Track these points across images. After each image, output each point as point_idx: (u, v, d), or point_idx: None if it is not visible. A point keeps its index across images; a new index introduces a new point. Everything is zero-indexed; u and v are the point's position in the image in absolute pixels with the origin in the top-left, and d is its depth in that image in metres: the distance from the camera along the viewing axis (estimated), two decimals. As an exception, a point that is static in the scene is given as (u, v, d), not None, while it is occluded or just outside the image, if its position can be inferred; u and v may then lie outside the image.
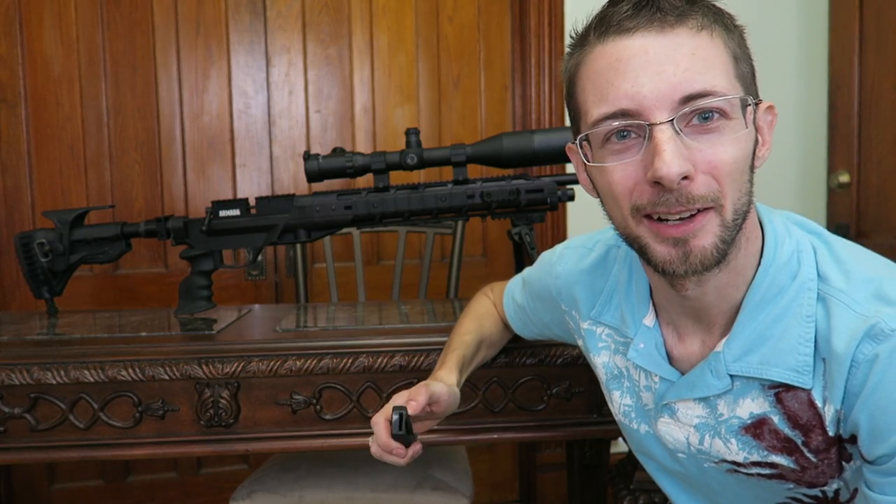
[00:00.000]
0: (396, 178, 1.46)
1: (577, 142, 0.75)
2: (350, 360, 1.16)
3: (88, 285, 2.18)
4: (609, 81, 0.69)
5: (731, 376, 0.76)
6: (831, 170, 2.29)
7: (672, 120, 0.67)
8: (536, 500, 2.38)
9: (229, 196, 2.23)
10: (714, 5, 0.72)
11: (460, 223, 1.88)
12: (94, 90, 2.15)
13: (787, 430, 0.75)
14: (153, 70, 2.18)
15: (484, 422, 1.20)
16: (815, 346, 0.72)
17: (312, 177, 1.32)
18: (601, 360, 0.92)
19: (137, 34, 2.16)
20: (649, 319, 0.84)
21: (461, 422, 1.20)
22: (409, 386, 1.18)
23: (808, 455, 0.75)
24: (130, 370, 1.14)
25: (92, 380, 1.14)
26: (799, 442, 0.75)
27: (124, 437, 1.17)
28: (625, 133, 0.70)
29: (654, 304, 0.84)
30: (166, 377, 1.15)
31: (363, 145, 2.29)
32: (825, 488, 0.77)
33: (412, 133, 1.31)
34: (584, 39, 0.73)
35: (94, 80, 2.15)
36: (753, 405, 0.77)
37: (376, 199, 1.33)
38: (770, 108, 0.75)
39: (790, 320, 0.73)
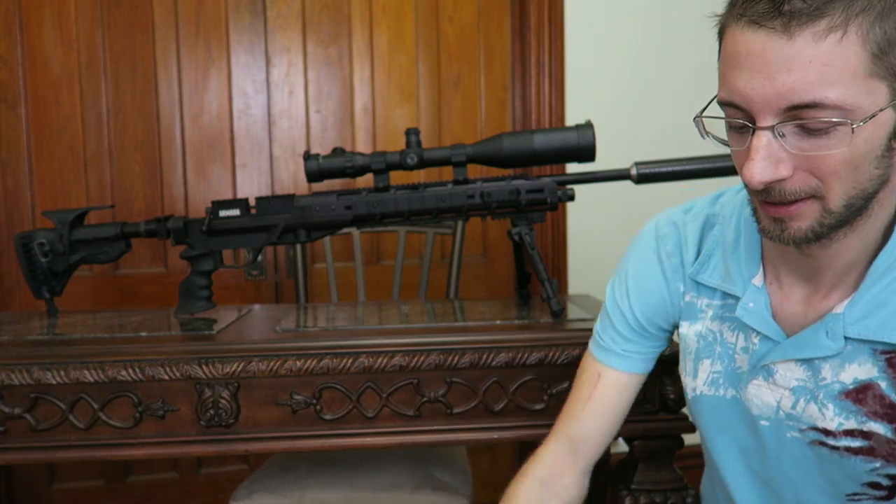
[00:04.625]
0: (396, 178, 1.46)
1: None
2: (350, 360, 1.16)
3: (88, 285, 2.18)
4: (730, 69, 0.69)
5: (846, 339, 0.76)
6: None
7: (773, 127, 0.67)
8: (536, 500, 2.37)
9: (229, 196, 2.23)
10: None
11: (460, 223, 1.88)
12: (94, 90, 2.15)
13: (893, 396, 0.75)
14: (153, 70, 2.18)
15: (484, 422, 1.20)
16: None
17: (312, 177, 1.32)
18: (695, 330, 0.92)
19: (137, 34, 2.16)
20: (758, 279, 0.84)
21: (461, 422, 1.20)
22: (408, 386, 1.18)
23: None
24: (130, 370, 1.15)
25: (92, 380, 1.14)
26: None
27: (124, 437, 1.17)
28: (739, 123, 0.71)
29: (762, 262, 0.85)
30: (166, 377, 1.15)
31: (363, 145, 2.29)
32: None
33: (412, 133, 1.31)
34: (734, 3, 0.70)
35: (94, 80, 2.15)
36: (860, 370, 0.77)
37: (376, 199, 1.33)
38: None
39: None
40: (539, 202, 1.32)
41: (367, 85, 2.29)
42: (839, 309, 0.77)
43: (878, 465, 0.78)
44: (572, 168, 1.84)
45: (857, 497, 0.82)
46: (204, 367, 1.15)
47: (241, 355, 1.16)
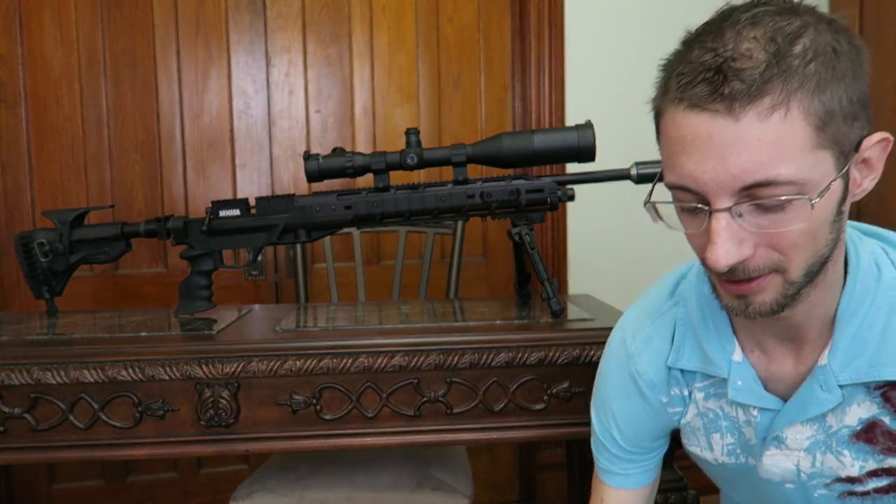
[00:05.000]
0: (396, 178, 1.46)
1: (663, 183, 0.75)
2: (350, 360, 1.16)
3: (88, 285, 2.18)
4: (677, 154, 0.68)
5: (841, 387, 0.76)
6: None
7: (730, 208, 0.66)
8: (536, 500, 2.38)
9: (229, 196, 2.23)
10: (808, 56, 0.64)
11: (460, 223, 1.88)
12: (94, 90, 2.15)
13: None
14: (153, 70, 2.18)
15: (484, 422, 1.20)
16: None
17: (312, 177, 1.32)
18: (693, 412, 0.90)
19: (137, 34, 2.16)
20: (737, 355, 0.82)
21: (461, 422, 1.20)
22: (408, 386, 1.18)
23: None
24: (130, 370, 1.14)
25: (92, 380, 1.14)
26: None
27: (124, 437, 1.17)
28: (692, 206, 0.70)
29: (736, 335, 0.83)
30: (166, 377, 1.15)
31: (363, 145, 2.29)
32: None
33: (412, 133, 1.31)
34: (667, 87, 0.70)
35: (94, 80, 2.15)
36: (861, 410, 0.76)
37: (376, 199, 1.33)
38: (882, 140, 0.71)
39: (886, 320, 0.74)
40: (539, 202, 1.32)
41: (367, 85, 2.29)
42: (823, 360, 0.76)
43: None
44: (572, 168, 1.84)
45: None
46: (204, 367, 1.15)
47: (241, 355, 1.16)
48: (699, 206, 0.68)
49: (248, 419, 1.18)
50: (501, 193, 1.31)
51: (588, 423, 1.20)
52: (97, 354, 1.16)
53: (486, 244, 2.39)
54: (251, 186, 2.25)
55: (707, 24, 0.69)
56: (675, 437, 1.21)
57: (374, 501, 1.44)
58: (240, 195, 2.24)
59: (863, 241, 0.78)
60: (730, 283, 0.71)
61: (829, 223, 0.69)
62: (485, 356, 1.17)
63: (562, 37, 2.28)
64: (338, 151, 1.32)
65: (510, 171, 1.46)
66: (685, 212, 0.71)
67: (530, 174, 1.36)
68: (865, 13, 2.16)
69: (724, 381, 0.83)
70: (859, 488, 0.79)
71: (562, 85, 2.29)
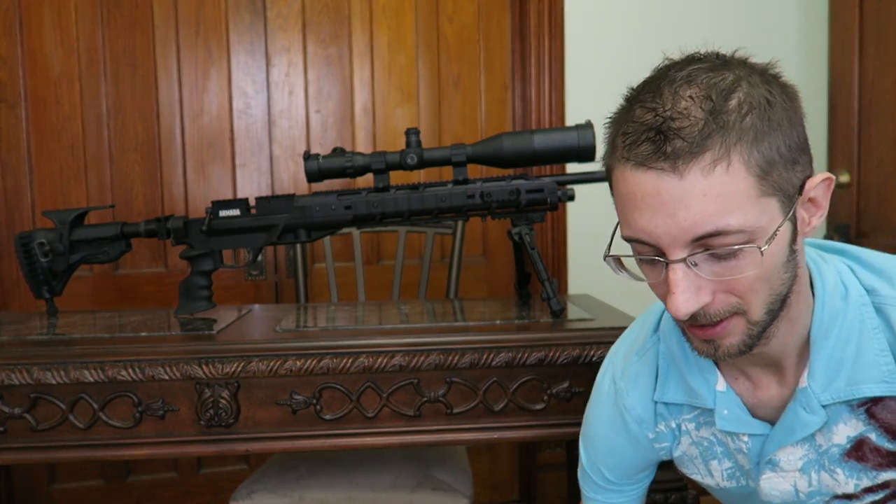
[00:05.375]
0: (396, 178, 1.46)
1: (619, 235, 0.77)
2: (350, 360, 1.16)
3: (88, 285, 2.18)
4: (630, 210, 0.71)
5: (824, 407, 0.77)
6: (831, 169, 2.29)
7: (685, 259, 0.69)
8: (536, 500, 2.38)
9: (229, 196, 2.23)
10: (743, 110, 0.67)
11: (460, 223, 1.88)
12: (94, 90, 2.15)
13: (887, 445, 0.77)
14: (153, 70, 2.18)
15: (484, 422, 1.20)
16: (893, 354, 0.74)
17: (312, 177, 1.32)
18: (686, 444, 0.91)
19: (137, 34, 2.16)
20: (721, 384, 0.84)
21: (461, 422, 1.20)
22: (408, 386, 1.18)
23: None
24: (130, 370, 1.15)
25: (92, 380, 1.14)
26: None
27: (124, 437, 1.17)
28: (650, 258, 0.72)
29: (717, 367, 0.85)
30: (166, 377, 1.15)
31: (363, 145, 2.29)
32: None
33: (412, 133, 1.31)
34: (615, 146, 0.73)
35: (94, 80, 2.15)
36: (848, 428, 0.78)
37: (376, 199, 1.33)
38: (824, 179, 0.73)
39: (859, 338, 0.75)
40: (539, 202, 1.32)
41: (367, 85, 2.29)
42: (803, 382, 0.78)
43: None
44: (572, 168, 1.84)
45: None
46: (204, 367, 1.15)
47: (241, 355, 1.16)
48: (656, 258, 0.71)
49: (248, 419, 1.18)
50: (501, 193, 1.31)
51: (588, 423, 1.20)
52: (97, 354, 1.16)
53: (486, 244, 2.39)
54: (251, 186, 2.25)
55: (646, 81, 0.72)
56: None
57: (374, 501, 1.44)
58: (240, 195, 2.24)
59: (826, 261, 0.80)
60: (696, 329, 0.73)
61: (783, 264, 0.71)
62: (485, 356, 1.17)
63: (562, 37, 2.28)
64: (338, 151, 1.32)
65: (510, 171, 1.46)
66: (644, 263, 0.73)
67: (530, 174, 1.36)
68: (865, 13, 2.16)
69: (711, 411, 0.85)
70: (857, 503, 0.80)
71: (562, 85, 2.29)
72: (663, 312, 0.92)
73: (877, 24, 2.13)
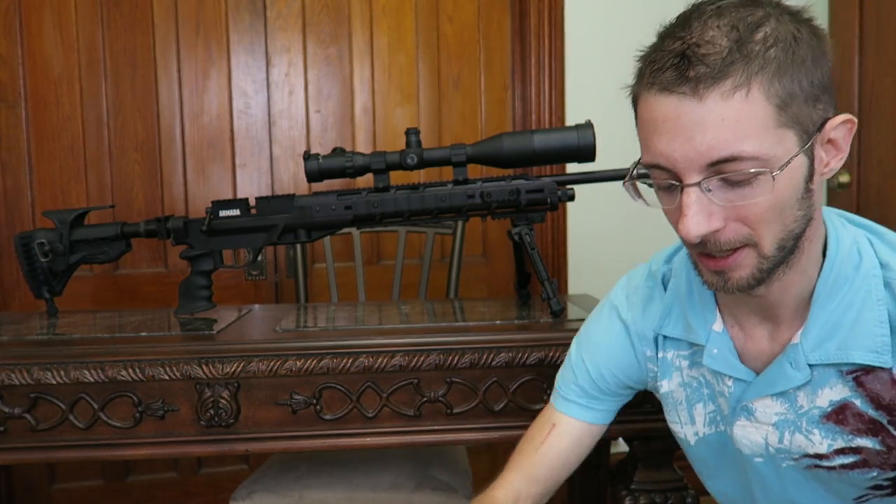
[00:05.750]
0: (396, 178, 1.46)
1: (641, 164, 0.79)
2: (350, 360, 1.16)
3: (88, 285, 2.18)
4: (650, 135, 0.73)
5: (811, 366, 0.79)
6: (831, 169, 2.28)
7: (699, 183, 0.71)
8: (536, 500, 2.37)
9: (229, 196, 2.23)
10: (768, 43, 0.69)
11: (460, 223, 1.88)
12: (94, 90, 2.15)
13: (871, 412, 0.78)
14: (153, 70, 2.18)
15: (484, 422, 1.20)
16: (891, 328, 0.76)
17: (312, 177, 1.32)
18: (677, 382, 0.94)
19: (137, 34, 2.16)
20: (718, 325, 0.87)
21: (461, 422, 1.20)
22: (408, 386, 1.18)
23: (895, 432, 0.78)
24: (130, 370, 1.14)
25: (92, 380, 1.14)
26: (884, 421, 0.78)
27: (124, 437, 1.17)
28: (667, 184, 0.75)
29: (719, 309, 0.87)
30: (166, 377, 1.15)
31: (363, 145, 2.29)
32: None
33: (412, 133, 1.31)
34: (642, 74, 0.75)
35: (94, 80, 2.15)
36: (832, 393, 0.80)
37: (376, 199, 1.33)
38: (846, 121, 0.74)
39: (861, 307, 0.77)
40: (539, 202, 1.32)
41: (367, 85, 2.29)
42: (796, 339, 0.80)
43: (874, 474, 0.80)
44: (572, 168, 1.84)
45: (864, 498, 0.84)
46: (204, 367, 1.15)
47: (241, 355, 1.16)
48: (672, 182, 0.73)
49: (248, 419, 1.18)
50: (501, 193, 1.31)
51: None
52: (97, 354, 1.16)
53: (486, 244, 2.39)
54: (251, 186, 2.25)
55: (678, 17, 0.74)
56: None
57: (374, 501, 1.44)
58: (240, 195, 2.24)
59: (847, 228, 0.82)
60: (708, 259, 0.76)
61: (797, 199, 0.72)
62: (485, 356, 1.17)
63: (562, 37, 2.28)
64: (338, 151, 1.32)
65: (510, 171, 1.46)
66: (661, 189, 0.76)
67: (530, 174, 1.36)
68: (865, 13, 2.16)
69: (703, 349, 0.87)
70: (826, 463, 0.82)
71: (562, 85, 2.29)
72: (677, 250, 0.96)
73: (877, 24, 2.13)
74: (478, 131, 2.35)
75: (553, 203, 1.32)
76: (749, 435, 0.86)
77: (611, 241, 2.33)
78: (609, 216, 2.29)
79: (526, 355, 1.17)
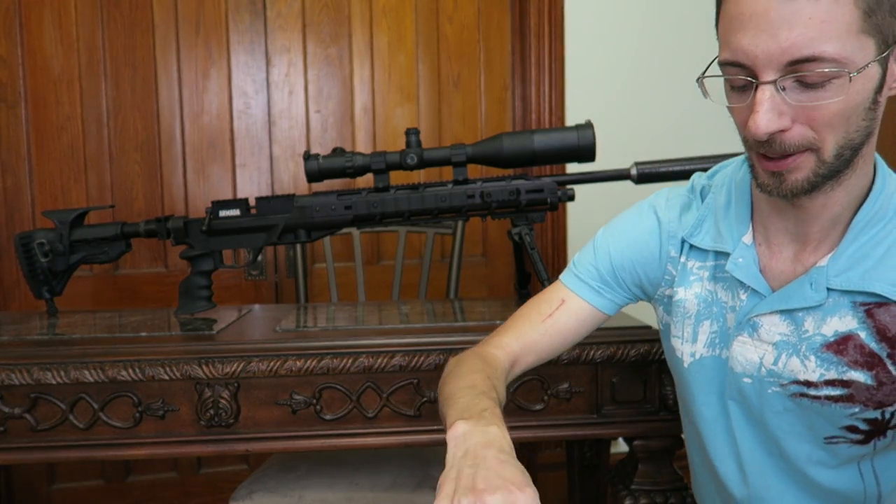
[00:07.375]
0: (396, 178, 1.46)
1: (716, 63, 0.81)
2: (350, 360, 1.16)
3: (88, 285, 2.18)
4: (734, 31, 0.74)
5: (829, 290, 0.81)
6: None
7: (775, 81, 0.72)
8: (536, 500, 2.37)
9: (229, 196, 2.23)
10: None
11: (460, 223, 1.88)
12: (94, 90, 2.15)
13: (872, 345, 0.81)
14: (153, 70, 2.18)
15: (484, 422, 1.20)
16: None
17: (312, 177, 1.32)
18: (694, 292, 0.95)
19: (137, 34, 2.16)
20: (748, 237, 0.89)
21: (461, 422, 1.19)
22: (409, 386, 1.18)
23: (891, 368, 0.80)
24: (130, 370, 1.15)
25: (92, 380, 1.14)
26: (884, 355, 0.80)
27: (124, 437, 1.17)
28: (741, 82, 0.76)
29: (752, 224, 0.90)
30: (166, 377, 1.15)
31: (363, 145, 2.29)
32: (891, 408, 0.82)
33: (412, 133, 1.31)
34: None
35: (94, 80, 2.15)
36: (840, 323, 0.82)
37: (376, 199, 1.33)
38: None
39: (891, 244, 0.80)
40: (539, 202, 1.32)
41: (367, 85, 2.29)
42: (823, 262, 0.82)
43: (856, 409, 0.83)
44: (572, 168, 1.84)
45: (834, 440, 0.86)
46: (204, 367, 1.15)
47: (241, 355, 1.16)
48: (748, 79, 0.74)
49: (248, 419, 1.18)
50: (501, 193, 1.31)
51: (588, 423, 1.20)
52: (97, 354, 1.16)
53: (486, 244, 2.39)
54: (251, 186, 2.25)
55: None
56: (676, 436, 1.21)
57: (374, 501, 1.44)
58: (240, 195, 2.24)
59: (893, 176, 0.84)
60: (767, 160, 0.77)
61: (864, 109, 0.74)
62: (485, 356, 1.17)
63: (562, 37, 2.28)
64: (338, 151, 1.32)
65: (510, 171, 1.46)
66: (734, 89, 0.77)
67: (530, 174, 1.36)
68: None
69: (727, 259, 0.89)
70: (812, 392, 0.84)
71: (562, 85, 2.29)
72: (724, 167, 0.97)
73: (877, 24, 2.12)
74: (478, 131, 2.35)
75: (553, 203, 1.32)
76: (746, 353, 0.88)
77: (611, 241, 2.33)
78: (609, 216, 2.28)
79: (526, 355, 1.17)
